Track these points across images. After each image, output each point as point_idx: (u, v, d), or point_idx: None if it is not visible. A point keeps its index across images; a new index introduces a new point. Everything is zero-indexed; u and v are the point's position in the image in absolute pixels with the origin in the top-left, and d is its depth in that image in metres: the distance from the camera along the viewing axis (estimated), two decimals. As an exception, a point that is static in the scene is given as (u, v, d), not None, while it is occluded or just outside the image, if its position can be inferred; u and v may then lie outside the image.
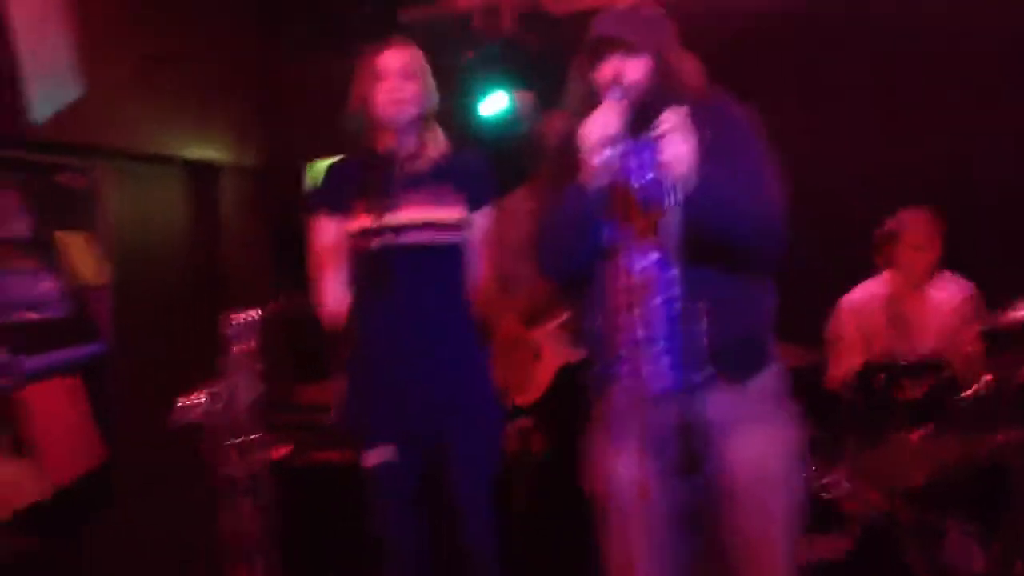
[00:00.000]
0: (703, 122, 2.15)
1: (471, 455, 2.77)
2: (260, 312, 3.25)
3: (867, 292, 4.02)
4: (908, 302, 3.92)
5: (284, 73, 5.55)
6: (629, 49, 2.21)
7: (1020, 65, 4.24)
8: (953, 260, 3.97)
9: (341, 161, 2.94)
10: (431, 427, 2.75)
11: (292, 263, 5.38)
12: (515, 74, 4.66)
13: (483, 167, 2.88)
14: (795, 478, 2.29)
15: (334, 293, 2.82)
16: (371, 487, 2.79)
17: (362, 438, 2.80)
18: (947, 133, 4.35)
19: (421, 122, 2.81)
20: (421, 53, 2.85)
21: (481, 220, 2.84)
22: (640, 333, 2.21)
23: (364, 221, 2.73)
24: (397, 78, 2.76)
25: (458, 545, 2.77)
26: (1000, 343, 3.56)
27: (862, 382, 3.41)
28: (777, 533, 2.22)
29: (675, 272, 2.13)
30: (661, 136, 2.06)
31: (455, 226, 2.78)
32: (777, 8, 4.51)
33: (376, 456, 2.76)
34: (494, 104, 4.62)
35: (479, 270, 2.86)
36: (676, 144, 2.04)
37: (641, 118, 2.17)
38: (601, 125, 2.10)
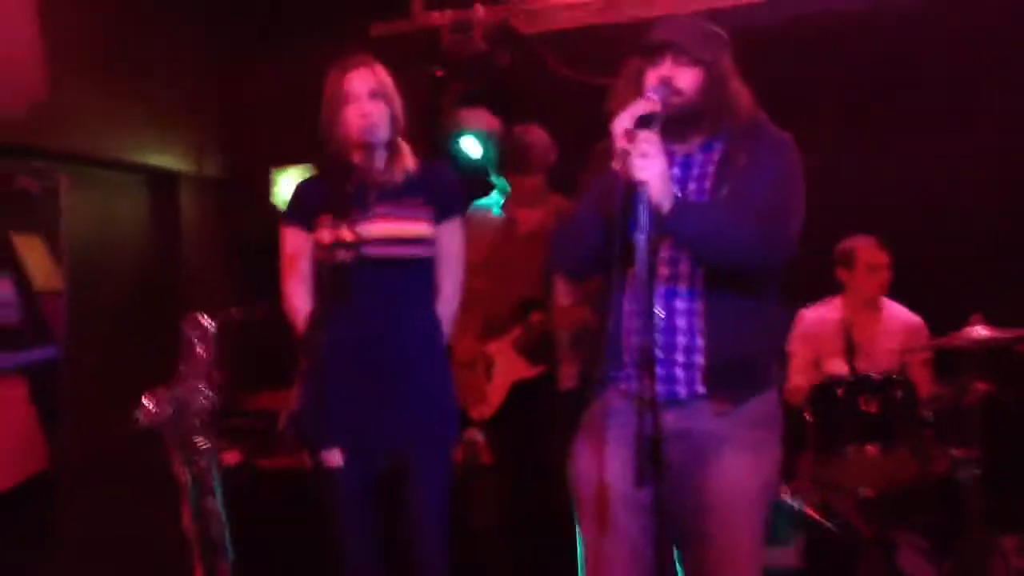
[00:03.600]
0: (740, 146, 2.21)
1: (429, 472, 2.76)
2: (217, 320, 3.23)
3: (819, 315, 4.07)
4: (860, 327, 3.96)
5: (247, 84, 5.54)
6: (685, 57, 2.24)
7: (975, 95, 4.33)
8: (901, 286, 4.03)
9: (311, 176, 2.98)
10: (389, 442, 2.74)
11: (252, 272, 5.41)
12: (486, 93, 4.69)
13: (453, 180, 2.91)
14: (769, 498, 2.32)
15: (297, 301, 2.85)
16: (326, 492, 2.77)
17: (317, 445, 2.78)
18: (902, 160, 4.43)
19: (391, 140, 2.83)
20: (387, 72, 2.86)
21: (447, 233, 2.84)
22: (644, 341, 2.19)
23: (332, 234, 2.74)
24: (366, 101, 2.78)
25: (411, 562, 2.75)
26: (953, 363, 3.62)
27: (821, 394, 3.43)
28: (746, 549, 2.23)
29: (680, 287, 2.20)
30: (635, 156, 2.07)
31: (421, 241, 2.79)
32: (742, 27, 4.56)
33: (330, 461, 2.75)
34: (469, 147, 4.66)
35: (447, 284, 2.86)
36: (648, 167, 2.05)
37: (682, 128, 2.21)
38: (629, 116, 2.11)
